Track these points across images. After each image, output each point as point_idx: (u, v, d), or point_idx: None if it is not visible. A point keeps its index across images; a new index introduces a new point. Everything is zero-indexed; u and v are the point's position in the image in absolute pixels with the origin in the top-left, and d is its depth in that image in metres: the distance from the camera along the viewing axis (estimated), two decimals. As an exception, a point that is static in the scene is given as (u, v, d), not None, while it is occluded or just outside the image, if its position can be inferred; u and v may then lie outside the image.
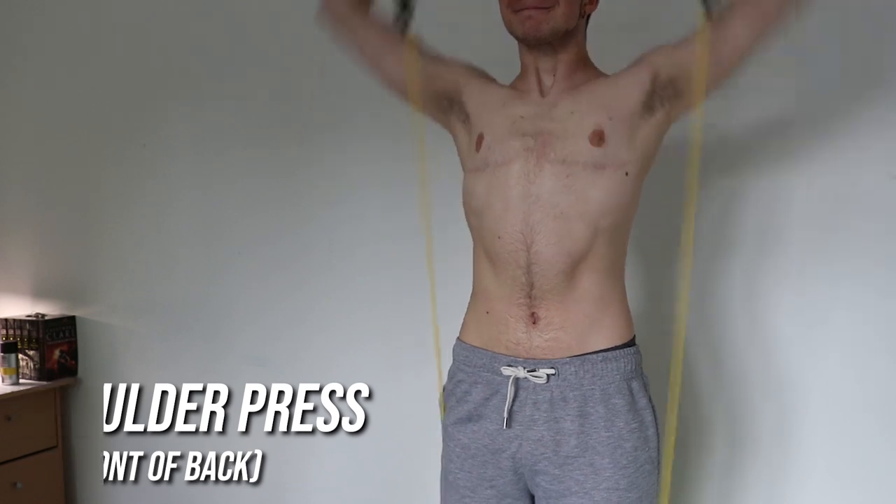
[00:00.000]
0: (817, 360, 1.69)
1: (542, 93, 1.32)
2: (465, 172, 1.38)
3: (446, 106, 1.41)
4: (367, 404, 2.19)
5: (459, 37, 1.99)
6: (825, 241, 1.66)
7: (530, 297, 1.27)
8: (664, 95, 1.28)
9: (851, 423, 1.67)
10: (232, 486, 2.40)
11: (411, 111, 1.43)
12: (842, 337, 1.67)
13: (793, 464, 1.72)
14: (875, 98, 1.61)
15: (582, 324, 1.27)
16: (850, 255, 1.65)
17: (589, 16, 1.35)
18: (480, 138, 1.33)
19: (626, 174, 1.27)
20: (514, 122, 1.30)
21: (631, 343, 1.31)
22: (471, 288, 1.44)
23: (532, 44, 1.29)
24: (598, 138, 1.25)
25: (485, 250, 1.33)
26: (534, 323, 1.27)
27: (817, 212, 1.67)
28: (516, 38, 1.31)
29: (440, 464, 1.44)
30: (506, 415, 1.27)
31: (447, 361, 1.49)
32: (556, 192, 1.24)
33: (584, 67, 1.34)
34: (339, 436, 2.23)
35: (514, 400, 1.28)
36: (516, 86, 1.37)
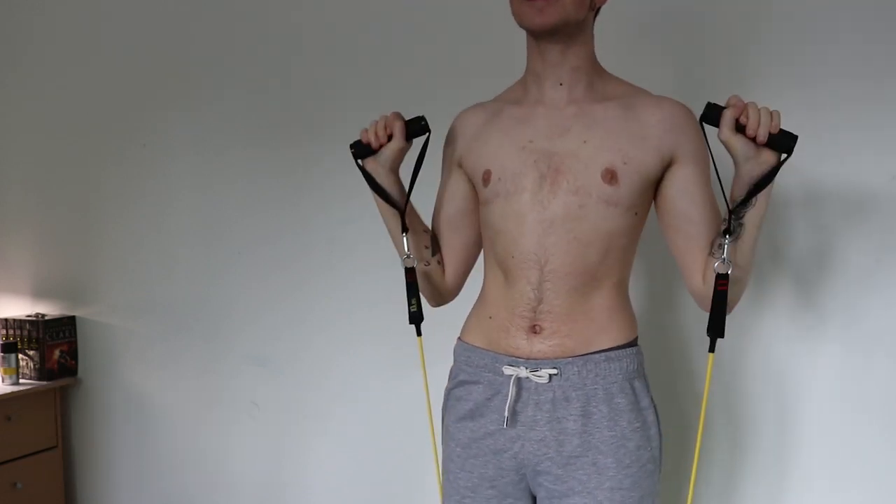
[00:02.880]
0: (817, 360, 1.69)
1: (550, 105, 1.29)
2: (480, 205, 1.37)
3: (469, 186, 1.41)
4: (367, 404, 2.19)
5: (461, 38, 2.00)
6: (825, 241, 1.66)
7: (535, 312, 1.27)
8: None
9: (851, 424, 1.67)
10: (232, 486, 2.40)
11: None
12: (841, 337, 1.67)
13: (793, 464, 1.72)
14: (875, 98, 1.61)
15: (588, 332, 1.28)
16: (850, 254, 1.65)
17: (598, 10, 1.30)
18: (487, 174, 1.32)
19: (636, 214, 1.28)
20: (523, 148, 1.28)
21: (633, 343, 1.31)
22: (465, 293, 1.45)
23: (541, 34, 1.25)
24: (611, 177, 1.24)
25: (497, 262, 1.33)
26: (535, 333, 1.28)
27: (817, 212, 1.67)
28: (524, 27, 1.25)
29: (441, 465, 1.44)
30: (507, 414, 1.27)
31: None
32: (570, 219, 1.25)
33: (595, 76, 1.30)
34: (339, 436, 2.23)
35: (516, 400, 1.27)
36: (518, 99, 1.34)
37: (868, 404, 1.65)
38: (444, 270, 1.46)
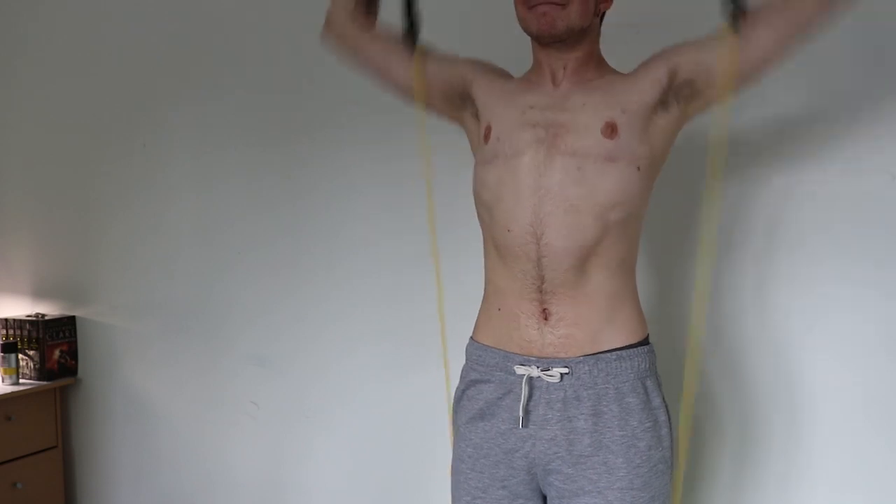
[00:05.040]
0: (820, 359, 1.69)
1: (553, 83, 1.32)
2: (476, 165, 1.38)
3: (459, 104, 1.42)
4: (367, 404, 2.19)
5: (465, 35, 2.00)
6: (826, 241, 1.66)
7: (541, 292, 1.27)
8: (680, 94, 1.28)
9: (856, 424, 1.66)
10: (232, 486, 2.40)
11: (416, 118, 1.43)
12: (842, 337, 1.67)
13: (803, 463, 1.71)
14: (876, 98, 1.61)
15: (595, 320, 1.27)
16: (850, 255, 1.65)
17: (604, 14, 1.34)
18: (488, 130, 1.33)
19: (638, 168, 1.27)
20: (524, 113, 1.30)
21: (645, 342, 1.31)
22: (473, 287, 1.45)
23: (546, 41, 1.28)
24: (611, 130, 1.25)
25: (494, 244, 1.33)
26: (545, 319, 1.27)
27: (819, 213, 1.67)
28: (531, 35, 1.29)
29: (450, 465, 1.43)
30: (521, 413, 1.27)
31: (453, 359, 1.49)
32: (567, 184, 1.24)
33: (598, 64, 1.34)
34: (339, 436, 2.23)
35: (528, 399, 1.27)
36: (527, 77, 1.38)
37: (870, 404, 1.65)
38: (361, 25, 1.46)
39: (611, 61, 1.38)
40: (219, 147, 2.33)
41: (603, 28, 1.37)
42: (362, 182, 2.14)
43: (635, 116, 1.26)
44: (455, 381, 1.44)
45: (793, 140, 1.68)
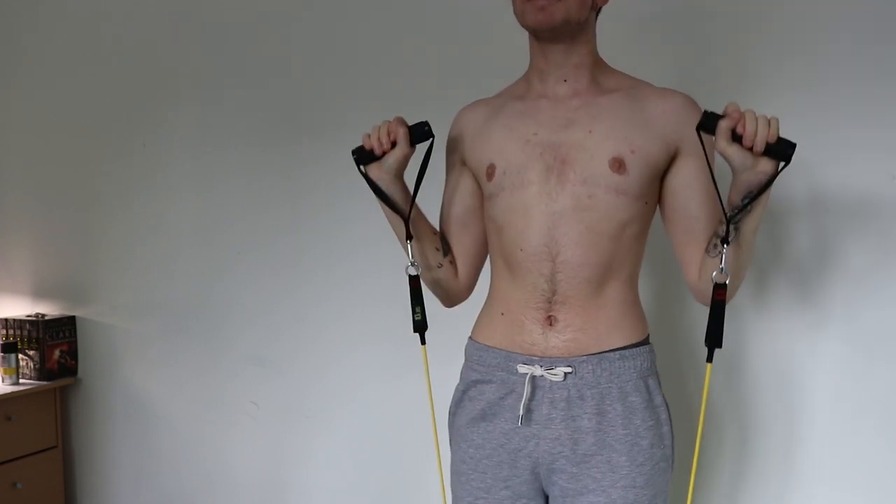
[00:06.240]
0: (820, 360, 1.69)
1: (553, 98, 1.29)
2: (484, 198, 1.37)
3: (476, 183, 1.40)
4: (367, 404, 2.19)
5: (463, 37, 2.00)
6: (826, 240, 1.67)
7: (550, 303, 1.27)
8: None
9: (856, 424, 1.67)
10: (232, 486, 2.40)
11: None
12: (841, 336, 1.67)
13: (803, 463, 1.72)
14: (875, 97, 1.61)
15: (602, 326, 1.27)
16: (850, 254, 1.65)
17: (599, 10, 1.31)
18: (491, 169, 1.31)
19: (646, 203, 1.27)
20: (528, 141, 1.28)
21: (646, 341, 1.32)
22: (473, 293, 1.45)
23: (544, 35, 1.25)
24: (619, 166, 1.23)
25: (504, 259, 1.32)
26: (551, 325, 1.27)
27: (818, 211, 1.67)
28: (528, 27, 1.26)
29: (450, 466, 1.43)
30: (521, 412, 1.27)
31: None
32: (580, 209, 1.24)
33: (599, 72, 1.31)
34: (339, 436, 2.23)
35: (530, 398, 1.27)
36: (521, 94, 1.34)
37: (869, 404, 1.65)
38: (456, 271, 1.44)
39: (613, 61, 1.36)
40: (219, 147, 2.33)
41: (605, 23, 1.37)
42: (362, 182, 2.13)
43: (644, 162, 1.24)
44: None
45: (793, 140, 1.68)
